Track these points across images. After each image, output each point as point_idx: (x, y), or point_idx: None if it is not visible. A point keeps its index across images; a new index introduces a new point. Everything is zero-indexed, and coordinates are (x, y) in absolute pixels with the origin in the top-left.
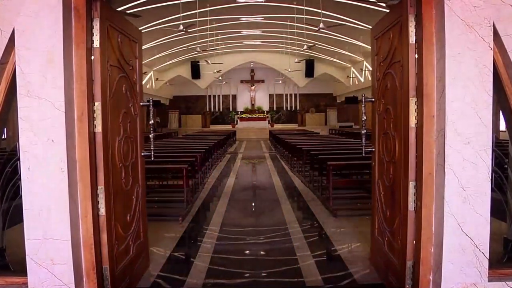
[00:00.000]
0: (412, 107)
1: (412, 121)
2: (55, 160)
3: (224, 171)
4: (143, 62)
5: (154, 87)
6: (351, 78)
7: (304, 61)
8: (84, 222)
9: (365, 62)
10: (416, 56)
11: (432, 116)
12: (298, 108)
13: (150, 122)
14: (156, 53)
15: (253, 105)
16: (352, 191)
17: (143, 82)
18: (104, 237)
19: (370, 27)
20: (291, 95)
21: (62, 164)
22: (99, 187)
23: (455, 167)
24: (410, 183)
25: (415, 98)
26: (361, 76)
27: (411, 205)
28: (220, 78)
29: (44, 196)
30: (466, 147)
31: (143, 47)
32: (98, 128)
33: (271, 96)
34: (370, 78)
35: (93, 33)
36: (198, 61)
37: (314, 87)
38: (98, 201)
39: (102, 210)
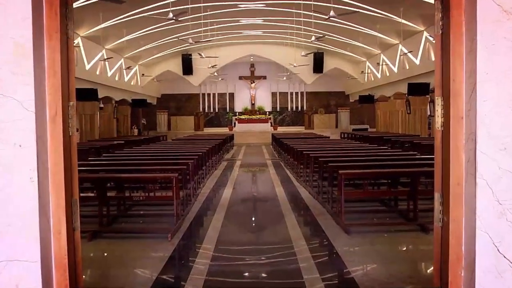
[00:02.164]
0: (438, 107)
1: (438, 123)
2: (23, 169)
3: (220, 180)
4: (126, 55)
5: (139, 83)
6: (366, 74)
7: (312, 54)
8: (56, 240)
9: (382, 55)
10: (443, 48)
11: (460, 118)
12: (305, 108)
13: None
14: (142, 44)
15: (253, 105)
16: (367, 204)
17: (127, 78)
18: (80, 256)
19: (388, 14)
20: (296, 93)
21: (32, 172)
22: (74, 198)
23: (488, 177)
24: (436, 194)
25: (441, 96)
26: (378, 72)
27: (437, 220)
28: (215, 73)
29: (10, 210)
30: (501, 154)
31: (127, 37)
32: (74, 130)
33: (274, 94)
34: (388, 73)
35: (68, 22)
36: (190, 54)
37: (324, 84)
38: (74, 215)
39: (79, 225)
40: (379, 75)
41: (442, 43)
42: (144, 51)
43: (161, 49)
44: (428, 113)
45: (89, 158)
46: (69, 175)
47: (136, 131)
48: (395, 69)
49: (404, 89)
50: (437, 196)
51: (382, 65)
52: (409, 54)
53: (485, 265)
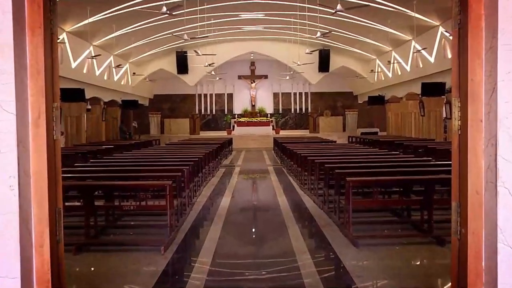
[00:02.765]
0: (455, 108)
1: (455, 126)
2: (2, 176)
3: (218, 188)
4: (116, 53)
5: (130, 83)
6: (376, 73)
7: (318, 51)
8: (39, 254)
9: (393, 53)
10: (460, 45)
11: (479, 120)
12: (309, 110)
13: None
14: (133, 41)
15: (253, 106)
16: (377, 214)
17: (116, 77)
18: (64, 271)
19: (401, 8)
20: (300, 94)
21: (12, 180)
22: (58, 207)
23: (510, 185)
24: (453, 203)
25: (458, 97)
26: (389, 70)
27: (454, 232)
28: (212, 72)
29: None
30: None
31: (116, 33)
32: (59, 134)
33: (276, 95)
34: (399, 72)
35: (52, 16)
36: (186, 52)
37: (330, 84)
38: (58, 226)
39: (62, 237)
40: (390, 74)
41: (459, 39)
42: (135, 48)
43: (154, 46)
44: (444, 115)
45: (75, 164)
46: (53, 183)
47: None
48: (408, 68)
49: (417, 89)
50: (454, 205)
51: (393, 63)
52: (423, 52)
53: (508, 282)
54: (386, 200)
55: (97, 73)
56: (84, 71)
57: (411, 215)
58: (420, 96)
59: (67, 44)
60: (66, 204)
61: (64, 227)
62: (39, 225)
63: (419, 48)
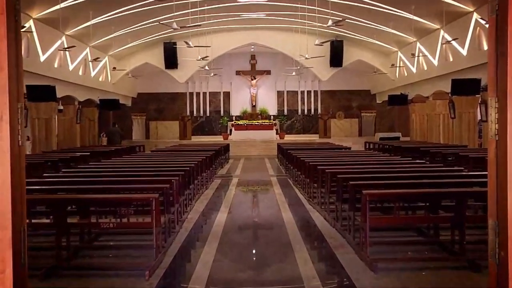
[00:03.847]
0: (492, 110)
1: (491, 131)
2: None
3: (213, 202)
4: (93, 44)
5: (109, 80)
6: (398, 68)
7: (329, 43)
8: (0, 282)
9: (418, 44)
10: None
11: None
12: (319, 111)
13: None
14: (113, 30)
15: (254, 107)
16: (399, 233)
17: (94, 73)
18: None
19: None
20: (309, 92)
21: None
22: (22, 225)
23: None
24: (490, 221)
25: (495, 97)
26: (413, 65)
27: (492, 255)
28: (206, 67)
29: None
30: None
31: (93, 21)
32: (25, 139)
33: (280, 94)
34: (425, 67)
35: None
36: (175, 43)
37: (343, 81)
38: (23, 247)
39: (26, 260)
40: (414, 69)
41: (497, 28)
42: (116, 39)
43: (138, 36)
44: (479, 117)
45: (44, 175)
46: (17, 197)
47: (105, 139)
48: (435, 62)
49: (446, 87)
50: (491, 224)
51: (418, 56)
52: (453, 43)
53: None
54: (409, 217)
55: (71, 67)
56: (55, 65)
57: (439, 235)
58: (450, 95)
59: (34, 34)
60: (33, 221)
61: (31, 248)
62: (0, 247)
63: (449, 38)
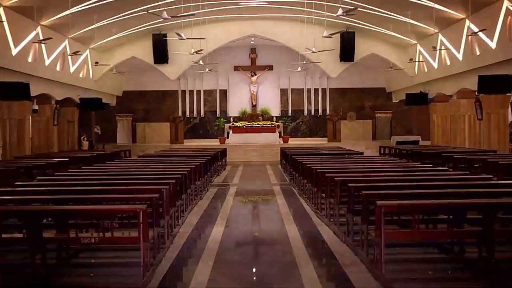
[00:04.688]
0: None
1: None
2: None
3: (208, 215)
4: (72, 35)
5: (91, 76)
6: (417, 63)
7: (339, 35)
8: None
9: (440, 36)
10: None
11: None
12: (328, 111)
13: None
14: (95, 20)
15: (254, 106)
16: (418, 249)
17: (73, 68)
18: None
19: None
20: (316, 90)
21: None
22: None
23: None
24: None
25: None
26: (434, 59)
27: None
28: (201, 62)
29: None
30: None
31: (73, 9)
32: None
33: (283, 92)
34: (448, 62)
35: None
36: (165, 35)
37: (355, 77)
38: None
39: None
40: (435, 64)
41: None
42: (99, 30)
43: (123, 26)
44: (510, 119)
45: (17, 183)
46: None
47: (86, 143)
48: (460, 56)
49: (472, 84)
50: None
51: (440, 49)
52: (480, 34)
53: None
54: (430, 232)
55: (47, 62)
56: (29, 59)
57: (464, 252)
58: (476, 93)
59: (5, 24)
60: (4, 236)
61: (2, 266)
62: None
63: (476, 29)
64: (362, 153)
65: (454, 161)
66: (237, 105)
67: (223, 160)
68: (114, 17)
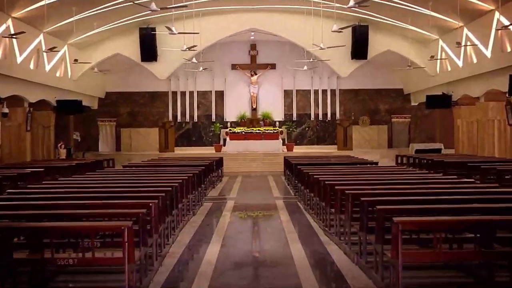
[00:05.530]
0: None
1: None
2: None
3: (202, 232)
4: (48, 29)
5: (69, 75)
6: (439, 61)
7: (351, 29)
8: None
9: (465, 30)
10: None
11: None
12: (337, 116)
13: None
14: (74, 12)
15: (254, 110)
16: (440, 272)
17: (49, 67)
18: None
19: None
20: (324, 92)
21: None
22: None
23: None
24: None
25: None
26: (458, 57)
27: None
28: (194, 60)
29: None
30: None
31: (47, 0)
32: None
33: (287, 94)
34: (475, 59)
35: None
36: (154, 29)
37: (368, 77)
38: None
39: None
40: (460, 62)
41: None
42: (78, 23)
43: (106, 19)
44: None
45: None
46: None
47: (64, 152)
48: (488, 53)
49: (502, 84)
50: None
51: (465, 45)
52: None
53: None
54: (455, 252)
55: (19, 60)
56: None
57: (494, 276)
58: (507, 95)
59: None
60: None
61: None
62: None
63: (506, 22)
64: (376, 163)
65: (482, 172)
66: (235, 108)
67: (219, 171)
68: (96, 9)
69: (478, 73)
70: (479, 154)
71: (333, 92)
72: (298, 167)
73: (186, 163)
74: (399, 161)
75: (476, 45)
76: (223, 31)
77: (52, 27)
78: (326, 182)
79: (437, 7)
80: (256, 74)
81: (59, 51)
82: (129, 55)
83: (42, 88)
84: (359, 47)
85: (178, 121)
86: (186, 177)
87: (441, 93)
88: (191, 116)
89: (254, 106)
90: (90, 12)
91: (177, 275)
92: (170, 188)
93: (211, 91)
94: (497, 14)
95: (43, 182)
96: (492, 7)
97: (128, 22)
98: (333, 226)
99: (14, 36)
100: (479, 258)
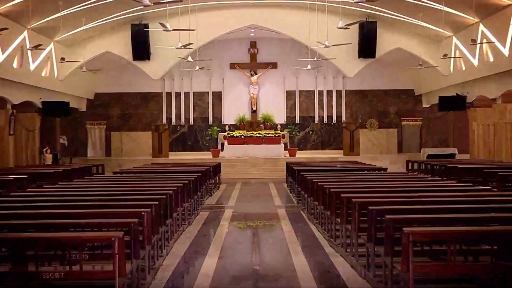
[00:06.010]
0: None
1: None
2: None
3: (198, 243)
4: (32, 26)
5: (56, 75)
6: (452, 60)
7: (358, 26)
8: None
9: (481, 26)
10: None
11: None
12: (343, 118)
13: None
14: (61, 8)
15: (254, 112)
16: (454, 286)
17: (34, 66)
18: None
19: None
20: (329, 93)
21: None
22: None
23: None
24: None
25: None
26: (473, 55)
27: None
28: (190, 59)
29: None
30: None
31: None
32: None
33: (290, 95)
34: (492, 58)
35: None
36: (147, 26)
37: (377, 77)
38: None
39: None
40: (475, 61)
41: None
42: (66, 19)
43: (95, 15)
44: None
45: None
46: None
47: (50, 157)
48: (506, 51)
49: None
50: None
51: (481, 43)
52: None
53: None
54: (470, 265)
55: (1, 58)
56: None
57: None
58: None
59: None
60: None
61: None
62: None
63: None
64: (385, 169)
65: (500, 179)
66: (233, 110)
67: (217, 178)
68: (84, 4)
69: (495, 72)
70: (496, 160)
71: (338, 93)
72: (301, 173)
73: (181, 169)
74: (409, 167)
75: (493, 42)
76: (220, 27)
77: (37, 23)
78: (331, 190)
79: (451, 1)
80: (256, 74)
81: (44, 49)
82: (120, 54)
83: (26, 89)
84: (367, 45)
85: (172, 124)
86: (181, 184)
87: (455, 94)
88: (187, 119)
89: (254, 108)
90: (78, 7)
91: None
92: (164, 196)
93: (208, 92)
94: None
95: (27, 189)
96: (510, 2)
97: (119, 18)
98: (339, 237)
99: None
100: (496, 272)
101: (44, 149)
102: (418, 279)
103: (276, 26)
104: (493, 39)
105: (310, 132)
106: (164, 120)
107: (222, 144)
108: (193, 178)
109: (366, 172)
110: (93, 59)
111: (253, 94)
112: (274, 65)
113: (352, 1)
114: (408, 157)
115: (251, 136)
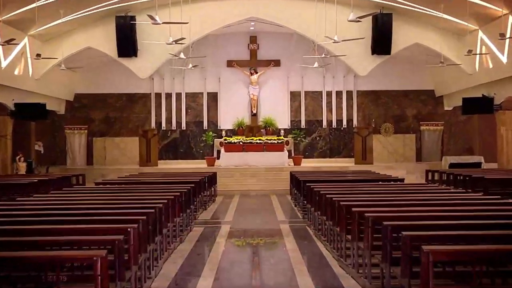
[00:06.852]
0: None
1: None
2: None
3: (190, 264)
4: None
5: (30, 73)
6: (478, 57)
7: (371, 18)
8: None
9: (511, 19)
10: None
11: None
12: (355, 123)
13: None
14: None
15: (254, 115)
16: None
17: (6, 63)
18: None
19: None
20: (339, 94)
21: None
22: None
23: None
24: None
25: None
26: (502, 51)
27: None
28: (182, 56)
29: None
30: None
31: None
32: None
33: (295, 96)
34: None
35: None
36: (133, 18)
37: (392, 77)
38: None
39: None
40: (504, 58)
41: None
42: (41, 11)
43: (76, 6)
44: None
45: None
46: None
47: (24, 165)
48: None
49: None
50: None
51: (510, 37)
52: None
53: None
54: None
55: None
56: None
57: None
58: None
59: None
60: None
61: None
62: None
63: None
64: (402, 180)
65: None
66: (231, 113)
67: (212, 189)
68: None
69: None
70: None
71: (349, 94)
72: (307, 184)
73: (173, 179)
74: (429, 178)
75: None
76: (216, 20)
77: (9, 15)
78: (341, 203)
79: None
80: (256, 73)
81: (18, 44)
82: (104, 50)
83: None
84: (381, 40)
85: (162, 129)
86: (172, 197)
87: (481, 96)
88: (179, 123)
89: (254, 111)
90: None
91: None
92: (153, 210)
93: (202, 93)
94: None
95: None
96: None
97: (102, 9)
98: (350, 256)
99: None
100: None
101: (17, 157)
102: None
103: (279, 19)
104: None
105: (317, 138)
106: (153, 125)
107: (218, 152)
108: (185, 190)
109: (380, 183)
110: (73, 56)
111: (253, 95)
112: (276, 63)
113: None
114: (427, 166)
115: (250, 143)
